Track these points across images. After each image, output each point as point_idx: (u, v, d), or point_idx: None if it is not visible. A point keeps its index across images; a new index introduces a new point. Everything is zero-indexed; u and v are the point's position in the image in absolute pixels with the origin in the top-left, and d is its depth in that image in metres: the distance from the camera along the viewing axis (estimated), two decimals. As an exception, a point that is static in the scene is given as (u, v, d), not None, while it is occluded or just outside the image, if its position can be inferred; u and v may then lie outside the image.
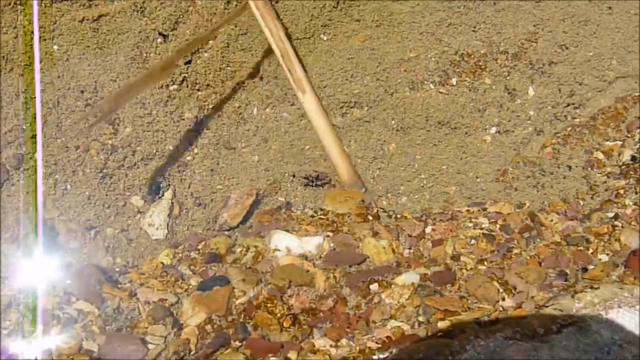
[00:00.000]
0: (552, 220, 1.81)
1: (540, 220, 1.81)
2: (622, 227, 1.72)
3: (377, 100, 2.35)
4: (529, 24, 2.51)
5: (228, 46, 2.37)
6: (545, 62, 2.44)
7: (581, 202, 2.07)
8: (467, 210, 1.93)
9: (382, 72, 2.40)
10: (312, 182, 2.20)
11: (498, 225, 1.81)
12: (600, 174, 2.14)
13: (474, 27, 2.51)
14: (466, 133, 2.32)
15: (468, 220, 1.85)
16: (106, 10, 2.36)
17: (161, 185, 2.17)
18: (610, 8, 2.54)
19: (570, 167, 2.19)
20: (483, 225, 1.82)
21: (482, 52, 2.46)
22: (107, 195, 2.13)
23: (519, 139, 2.32)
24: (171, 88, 2.28)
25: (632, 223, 1.72)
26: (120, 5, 2.36)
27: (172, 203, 2.14)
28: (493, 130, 2.33)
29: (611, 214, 1.79)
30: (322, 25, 2.45)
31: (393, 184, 2.25)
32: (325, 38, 2.46)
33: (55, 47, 2.23)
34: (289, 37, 2.35)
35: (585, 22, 2.51)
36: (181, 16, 2.38)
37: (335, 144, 2.24)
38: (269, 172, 2.23)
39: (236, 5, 2.39)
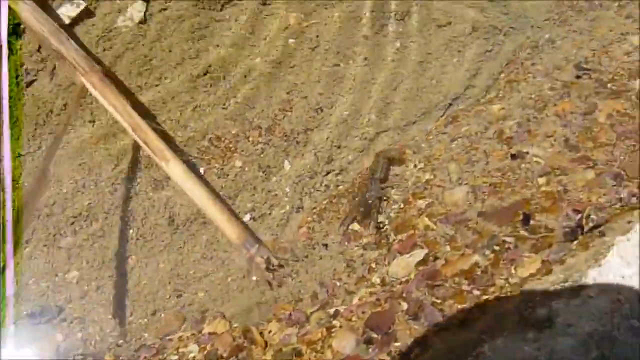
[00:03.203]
0: (270, 331, 1.56)
1: (252, 336, 1.56)
2: (340, 326, 1.49)
3: (112, 208, 2.08)
4: (282, 92, 2.34)
5: None
6: (301, 131, 2.26)
7: (338, 283, 1.85)
8: (179, 337, 1.65)
9: (118, 174, 2.14)
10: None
11: (206, 352, 1.54)
12: (357, 246, 1.94)
13: (224, 105, 2.31)
14: (217, 227, 2.07)
15: (175, 352, 1.57)
16: None
17: None
18: (365, 59, 2.42)
19: (326, 246, 1.97)
20: (190, 355, 1.54)
21: (233, 132, 2.25)
22: None
23: (276, 222, 2.09)
24: None
25: (353, 318, 1.49)
26: None
27: None
28: (247, 217, 2.09)
29: (332, 310, 1.56)
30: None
31: (135, 301, 1.95)
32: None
33: None
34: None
35: (340, 79, 2.37)
36: None
37: (215, 207, 1.96)
38: None
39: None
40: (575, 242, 1.50)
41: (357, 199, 2.01)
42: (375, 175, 2.03)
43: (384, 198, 2.00)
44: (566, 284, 1.33)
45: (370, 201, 1.96)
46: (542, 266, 1.46)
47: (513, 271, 1.50)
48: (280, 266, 1.90)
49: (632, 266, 1.22)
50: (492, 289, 1.45)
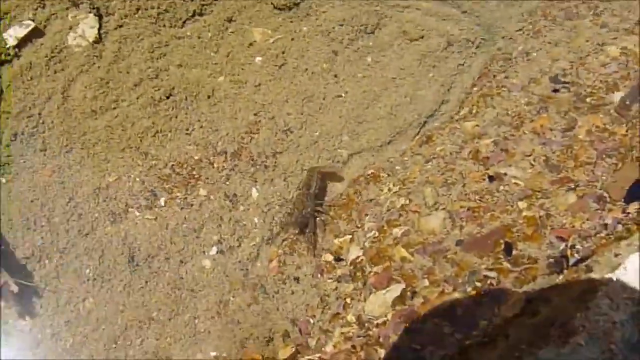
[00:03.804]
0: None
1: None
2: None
3: (68, 247, 1.92)
4: (249, 114, 2.21)
5: None
6: (269, 154, 2.13)
7: (311, 320, 1.73)
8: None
9: (73, 209, 1.99)
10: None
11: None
12: (331, 279, 1.82)
13: (187, 130, 2.17)
14: (181, 262, 1.94)
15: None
16: None
17: None
18: (336, 76, 2.30)
19: (298, 279, 1.85)
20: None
21: (196, 158, 2.12)
22: None
23: (246, 256, 1.96)
24: None
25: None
26: None
27: None
28: (213, 250, 1.96)
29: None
30: (-2, 165, 2.03)
31: (94, 349, 1.80)
32: (4, 180, 2.03)
33: None
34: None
35: (309, 98, 2.25)
36: None
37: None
38: None
39: None
40: (560, 277, 1.41)
41: (293, 215, 1.91)
42: (311, 190, 1.94)
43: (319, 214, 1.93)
44: (553, 328, 1.23)
45: (306, 217, 1.89)
46: (526, 305, 1.37)
47: (496, 310, 1.40)
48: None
49: (622, 311, 1.12)
50: (474, 332, 1.35)
